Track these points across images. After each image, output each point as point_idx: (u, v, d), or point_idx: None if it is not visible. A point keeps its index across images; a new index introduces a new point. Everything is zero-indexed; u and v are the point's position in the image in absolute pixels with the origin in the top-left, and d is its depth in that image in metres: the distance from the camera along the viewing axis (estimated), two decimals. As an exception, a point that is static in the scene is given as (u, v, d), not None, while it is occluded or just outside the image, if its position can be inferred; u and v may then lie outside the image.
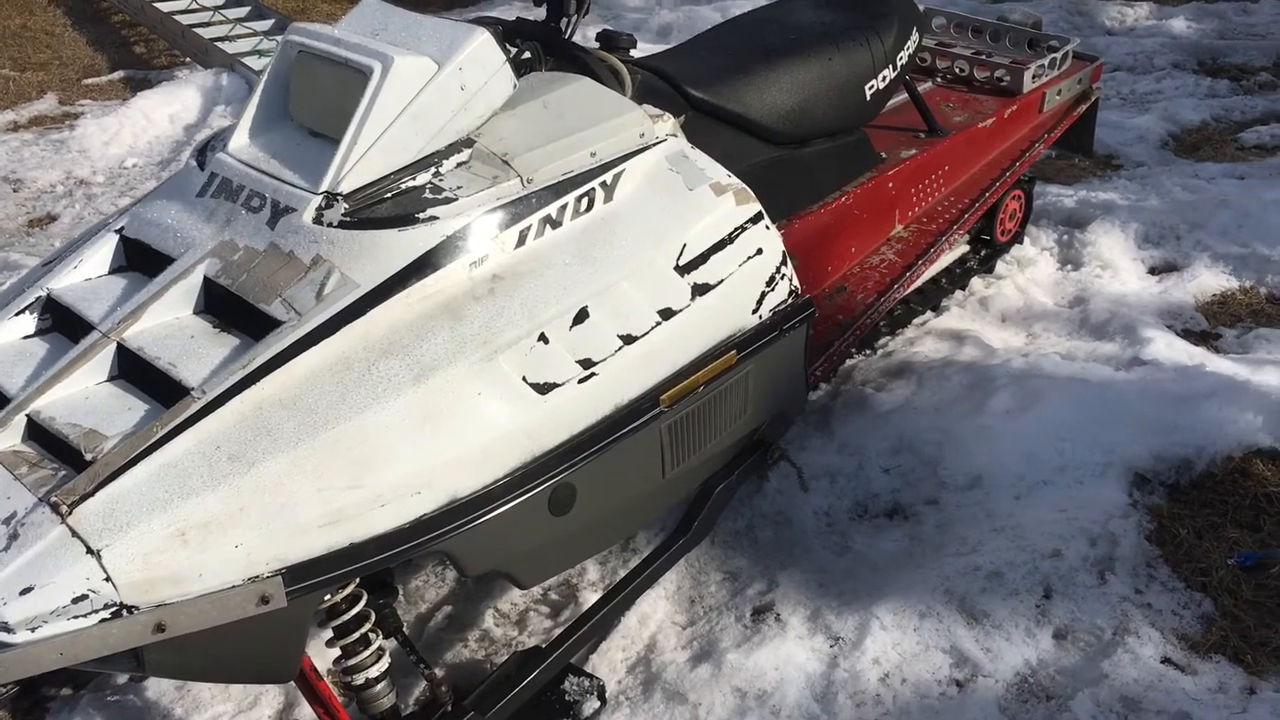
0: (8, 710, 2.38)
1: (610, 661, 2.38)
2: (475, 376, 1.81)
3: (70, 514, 1.60)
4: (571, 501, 1.97)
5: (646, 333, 2.00)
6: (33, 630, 1.54)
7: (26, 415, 1.76)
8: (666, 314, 2.04)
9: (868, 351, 3.32)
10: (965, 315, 3.55)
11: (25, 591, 1.54)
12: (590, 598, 2.53)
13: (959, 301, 3.61)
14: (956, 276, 3.63)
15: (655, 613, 2.49)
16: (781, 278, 2.25)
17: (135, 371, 1.82)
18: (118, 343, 1.82)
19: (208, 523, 1.62)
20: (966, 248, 3.71)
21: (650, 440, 2.08)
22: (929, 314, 3.52)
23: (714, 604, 2.52)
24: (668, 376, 2.05)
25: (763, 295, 2.21)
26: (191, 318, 1.89)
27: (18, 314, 1.96)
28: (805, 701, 2.25)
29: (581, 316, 1.94)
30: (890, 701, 2.25)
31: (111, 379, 1.84)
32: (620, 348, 1.96)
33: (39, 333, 1.97)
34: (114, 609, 1.57)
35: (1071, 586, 2.47)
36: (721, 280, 2.13)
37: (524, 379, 1.86)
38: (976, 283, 3.70)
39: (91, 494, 1.61)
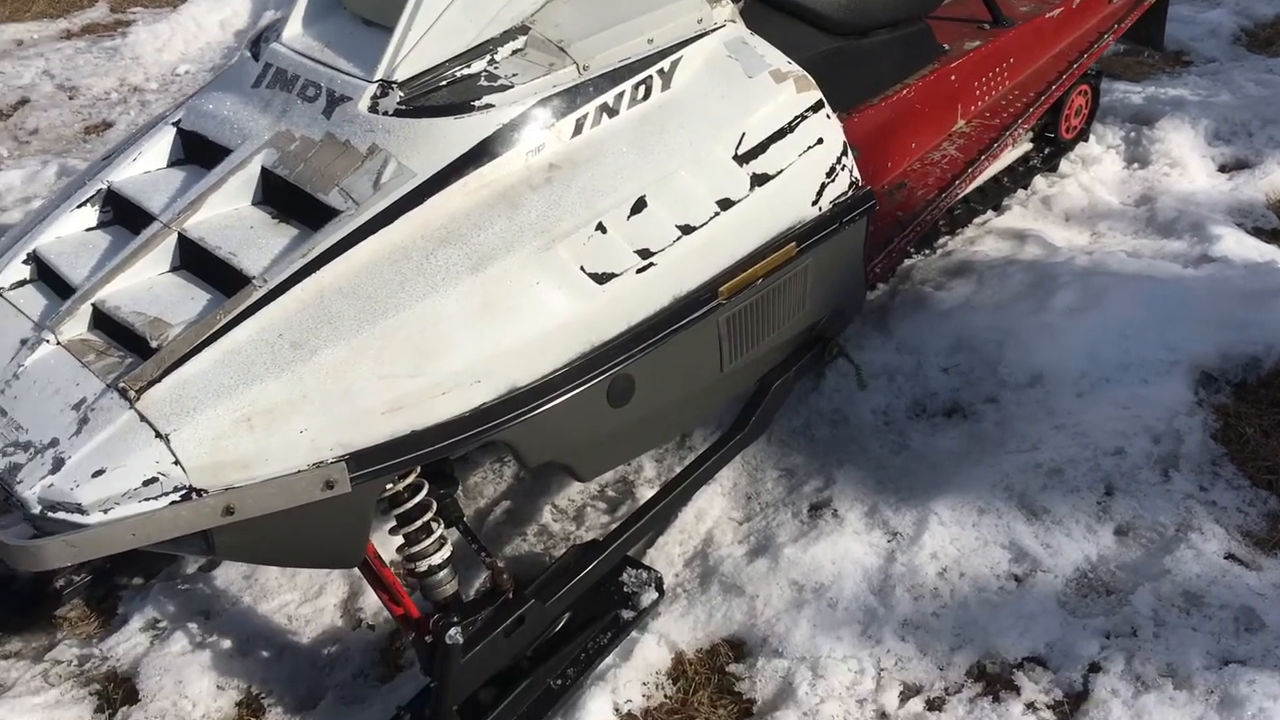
0: (81, 598, 2.45)
1: (668, 555, 2.40)
2: (533, 266, 1.80)
3: (138, 399, 1.62)
4: (630, 393, 1.97)
5: (705, 223, 1.97)
6: (105, 512, 1.57)
7: (92, 305, 1.78)
8: (725, 204, 2.00)
9: (926, 251, 3.26)
10: (1027, 214, 3.47)
11: (97, 474, 1.57)
12: (647, 494, 2.54)
13: (1021, 200, 3.53)
14: (1019, 175, 3.54)
15: (712, 508, 2.50)
16: (842, 169, 2.20)
17: (196, 261, 1.83)
18: (179, 233, 1.83)
19: (272, 408, 1.64)
20: (1030, 145, 3.61)
21: (708, 333, 2.06)
22: (990, 213, 3.45)
23: (770, 500, 2.53)
24: (726, 268, 2.02)
25: (823, 186, 2.17)
26: (250, 208, 1.89)
27: (79, 206, 1.97)
28: (862, 594, 2.26)
29: (639, 206, 1.91)
30: (948, 595, 2.25)
31: (173, 269, 1.85)
32: (678, 238, 1.94)
33: (101, 225, 1.98)
34: (183, 491, 1.60)
35: (1134, 484, 2.45)
36: (781, 170, 2.08)
37: (582, 268, 1.84)
38: (1039, 181, 3.61)
39: (158, 380, 1.63)
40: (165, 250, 1.84)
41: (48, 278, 1.90)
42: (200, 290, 1.79)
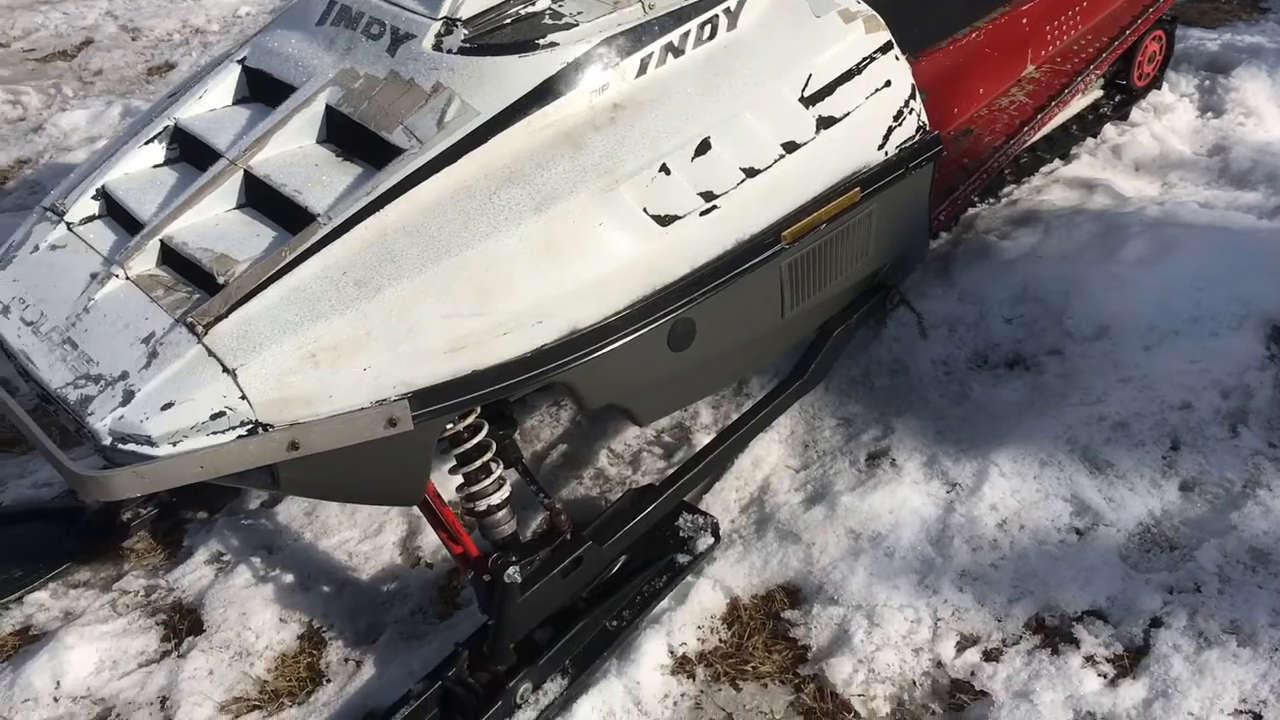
0: (147, 530, 2.50)
1: (724, 501, 2.40)
2: (596, 206, 1.79)
3: (206, 334, 1.63)
4: (691, 337, 1.96)
5: (769, 166, 1.95)
6: (174, 444, 1.60)
7: (160, 240, 1.80)
8: (790, 147, 1.97)
9: (991, 200, 3.20)
10: (1096, 164, 3.39)
11: (166, 407, 1.60)
12: (703, 440, 2.53)
13: (1090, 149, 3.45)
14: (1088, 123, 3.46)
15: (769, 455, 2.49)
16: (910, 112, 2.16)
17: (261, 198, 1.84)
18: (245, 170, 1.84)
19: (337, 345, 1.65)
20: (1100, 92, 3.52)
21: (770, 278, 2.04)
22: (1057, 162, 3.38)
23: (828, 448, 2.51)
24: (790, 212, 2.00)
25: (889, 130, 2.13)
26: (314, 146, 1.89)
27: (146, 143, 1.98)
28: (920, 544, 2.24)
29: (703, 148, 1.89)
30: (1007, 547, 2.23)
31: (239, 206, 1.86)
32: (742, 180, 1.91)
33: (167, 161, 1.99)
34: (249, 426, 1.62)
35: (1201, 439, 2.40)
36: (848, 113, 2.05)
37: (645, 210, 1.83)
38: (1109, 130, 3.53)
39: (225, 315, 1.65)
40: (231, 187, 1.85)
41: (116, 213, 1.92)
42: (265, 227, 1.80)
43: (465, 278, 1.71)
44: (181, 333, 1.65)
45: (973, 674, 2.04)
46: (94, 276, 1.80)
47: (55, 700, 2.13)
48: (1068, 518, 2.28)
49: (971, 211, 3.12)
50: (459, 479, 1.98)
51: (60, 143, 4.35)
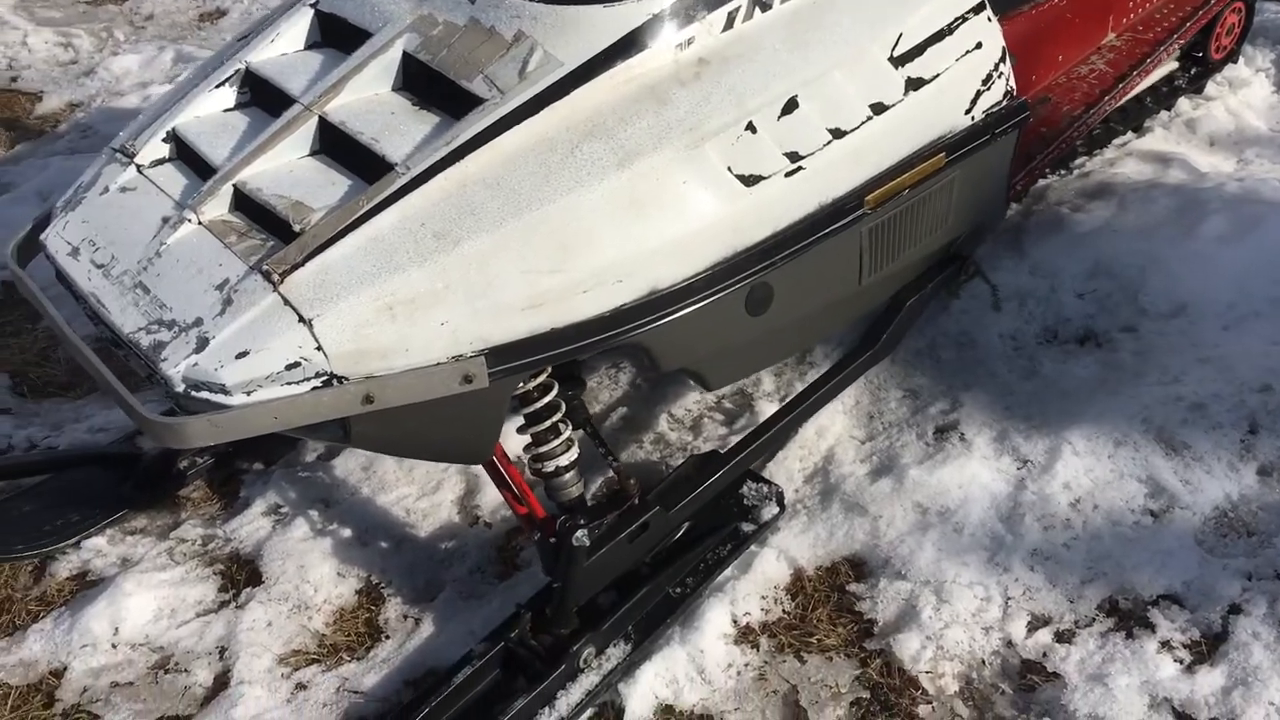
0: (204, 480, 2.49)
1: (787, 471, 2.36)
2: (681, 164, 1.74)
3: (282, 282, 1.60)
4: (768, 302, 1.91)
5: (856, 127, 1.89)
6: (248, 394, 1.57)
7: (233, 185, 1.76)
8: (878, 108, 1.91)
9: (1062, 171, 3.12)
10: (1170, 137, 3.31)
11: (241, 355, 1.57)
12: (766, 407, 2.50)
13: (1163, 122, 3.36)
14: (1162, 96, 3.37)
15: (833, 426, 2.45)
16: (999, 76, 2.09)
17: (336, 146, 1.80)
18: (319, 116, 1.80)
19: (414, 298, 1.61)
20: (1175, 65, 3.42)
21: (850, 243, 1.99)
22: (1130, 134, 3.29)
23: (893, 420, 2.46)
24: (874, 176, 1.94)
25: (978, 94, 2.07)
26: (390, 94, 1.85)
27: (217, 86, 1.95)
28: (990, 521, 2.20)
29: (790, 106, 1.83)
30: (1080, 527, 2.17)
31: (313, 153, 1.82)
32: (829, 142, 1.86)
33: (239, 106, 1.96)
34: (324, 378, 1.59)
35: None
36: (937, 75, 1.98)
37: (729, 169, 1.77)
38: (1183, 103, 3.44)
39: (301, 264, 1.61)
40: (305, 133, 1.81)
41: (187, 157, 1.88)
42: (340, 175, 1.76)
43: (546, 233, 1.66)
44: (256, 280, 1.62)
45: (1044, 655, 1.99)
46: (166, 220, 1.76)
47: (113, 647, 2.12)
48: (1142, 499, 2.22)
49: (1042, 182, 3.05)
50: (526, 438, 1.94)
51: (112, 87, 4.33)
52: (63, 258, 1.81)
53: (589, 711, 1.95)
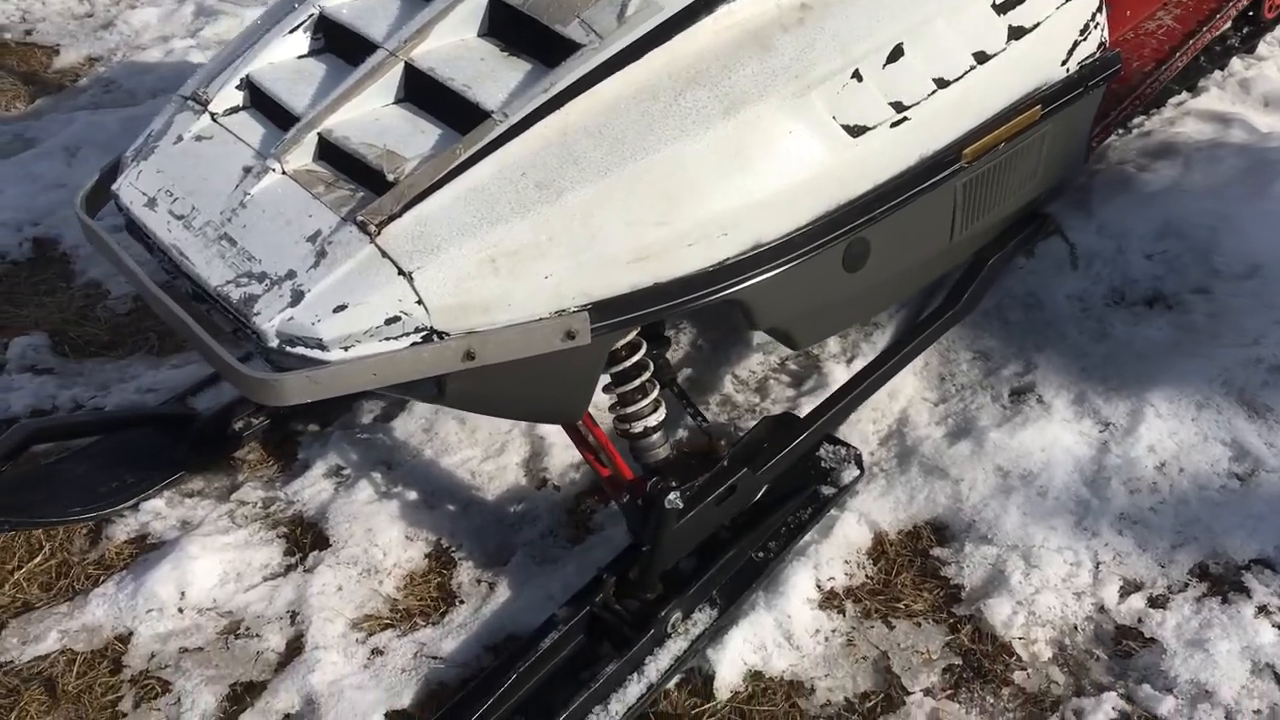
0: (259, 441, 2.43)
1: (861, 433, 2.30)
2: (786, 113, 1.67)
3: (379, 234, 1.54)
4: (865, 258, 1.85)
5: (960, 77, 1.83)
6: (346, 349, 1.51)
7: (318, 134, 1.69)
8: (981, 57, 1.85)
9: (1121, 130, 3.06)
10: (1225, 97, 3.24)
11: (338, 309, 1.50)
12: (833, 368, 2.44)
13: (1217, 82, 3.29)
14: (1215, 55, 3.30)
15: (904, 388, 2.39)
16: (1095, 27, 2.03)
17: (422, 93, 1.72)
18: (405, 63, 1.72)
19: (517, 251, 1.55)
20: (1228, 24, 3.35)
21: (945, 199, 1.93)
22: (1185, 94, 3.23)
23: (965, 383, 2.41)
24: (973, 128, 1.88)
25: (1074, 45, 2.00)
26: (477, 40, 1.78)
27: (291, 32, 1.87)
28: (1074, 484, 2.15)
29: (896, 54, 1.77)
30: (1167, 490, 2.13)
31: (398, 101, 1.75)
32: (933, 91, 1.79)
33: (313, 52, 1.88)
34: (424, 333, 1.53)
35: (1360, 385, 2.29)
36: (1038, 23, 1.92)
37: (834, 119, 1.71)
38: (1236, 63, 3.37)
39: (398, 215, 1.55)
40: (391, 80, 1.73)
41: (263, 105, 1.81)
42: (429, 124, 1.69)
43: (651, 183, 1.60)
44: (351, 231, 1.55)
45: (1139, 621, 1.95)
46: (248, 170, 1.69)
47: (180, 611, 2.06)
48: (1227, 463, 2.18)
49: (1104, 142, 2.98)
50: (611, 398, 1.89)
51: (132, 41, 4.22)
52: (138, 209, 1.74)
53: (676, 678, 1.90)
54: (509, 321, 1.56)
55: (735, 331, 2.58)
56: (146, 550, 2.19)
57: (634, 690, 1.85)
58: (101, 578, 2.14)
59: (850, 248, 1.81)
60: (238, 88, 1.83)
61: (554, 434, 2.35)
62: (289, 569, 2.14)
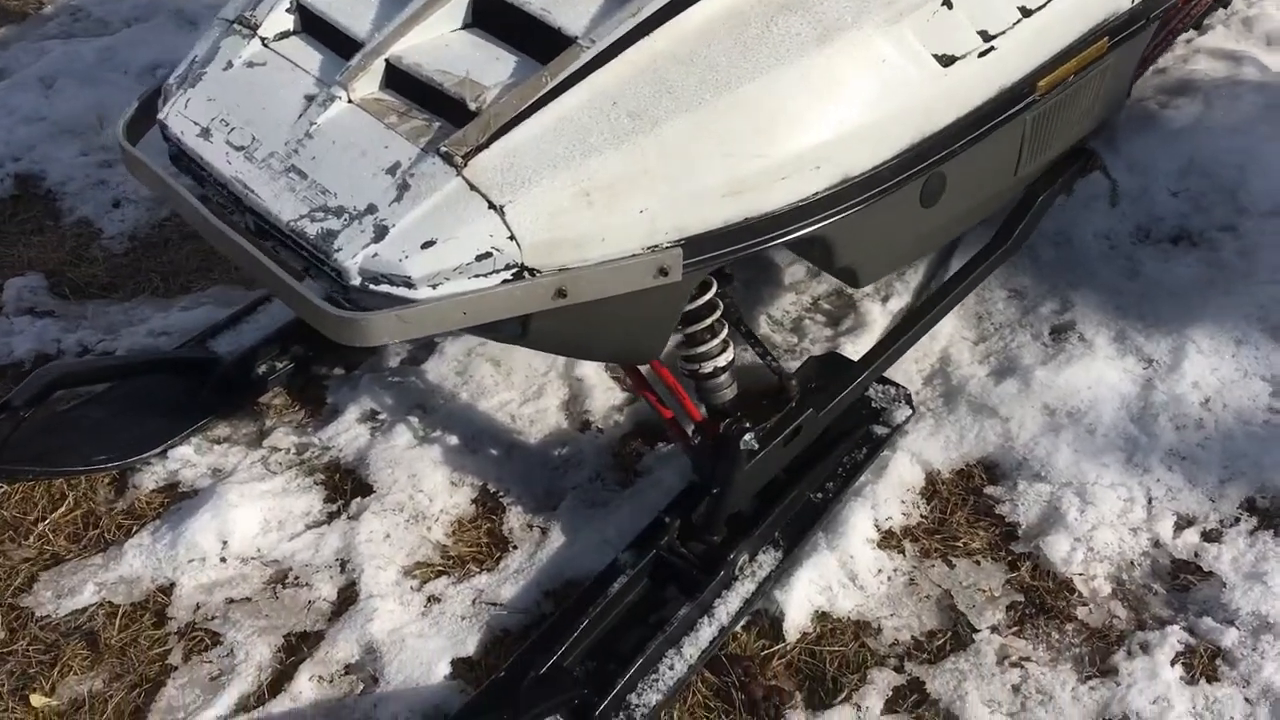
0: (283, 386, 2.34)
1: (904, 373, 2.28)
2: (879, 40, 1.62)
3: (465, 166, 1.46)
4: (940, 193, 1.82)
5: (1042, 6, 1.78)
6: (434, 287, 1.44)
7: (385, 60, 1.60)
8: (1059, -13, 1.81)
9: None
10: (1231, 36, 3.23)
11: (427, 245, 1.43)
12: (869, 306, 2.42)
13: (1222, 20, 3.29)
14: (1223, -8, 3.30)
15: (943, 327, 2.37)
16: (1156, -41, 1.99)
17: (494, 17, 1.64)
18: (475, -16, 1.64)
19: (613, 184, 1.48)
20: (1235, -40, 3.35)
21: (1015, 132, 1.89)
22: (1193, 32, 3.22)
23: (1004, 321, 2.40)
24: (1049, 59, 1.84)
25: (1139, -23, 1.97)
26: (550, -40, 1.69)
27: (340, -49, 1.76)
28: (1122, 422, 2.16)
29: (984, -19, 1.72)
30: (1213, 426, 2.14)
31: (465, 26, 1.67)
32: (1018, 20, 1.75)
33: (365, -26, 1.78)
34: (515, 269, 1.46)
35: (1390, 321, 2.32)
36: (1111, -46, 1.88)
37: (925, 48, 1.66)
38: (1238, 2, 3.37)
39: (485, 146, 1.48)
40: (459, 4, 1.66)
41: (317, 29, 1.72)
42: (503, 50, 1.61)
43: (746, 114, 1.54)
44: (435, 163, 1.48)
45: (1196, 555, 1.97)
46: (310, 99, 1.61)
47: (223, 561, 1.99)
48: (1267, 398, 2.19)
49: (1140, 77, 2.97)
50: (679, 338, 1.84)
51: (98, -32, 4.01)
52: (190, 139, 1.64)
53: (744, 620, 1.88)
54: (602, 258, 1.50)
55: (767, 270, 2.54)
56: (179, 499, 2.11)
57: (706, 633, 1.83)
58: (134, 528, 2.06)
59: (928, 183, 1.77)
60: (288, 11, 1.73)
61: (592, 376, 2.31)
62: (332, 516, 2.07)
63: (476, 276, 1.46)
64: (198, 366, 2.28)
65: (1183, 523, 2.02)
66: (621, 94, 1.52)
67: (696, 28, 1.56)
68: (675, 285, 1.57)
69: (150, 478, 2.14)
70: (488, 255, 1.45)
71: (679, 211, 1.52)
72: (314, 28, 1.71)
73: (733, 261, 1.63)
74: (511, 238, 1.45)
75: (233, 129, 1.62)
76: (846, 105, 1.59)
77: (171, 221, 2.78)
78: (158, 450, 2.15)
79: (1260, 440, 2.12)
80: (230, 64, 1.69)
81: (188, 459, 2.16)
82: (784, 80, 1.56)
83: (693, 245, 1.55)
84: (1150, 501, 2.04)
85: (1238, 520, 2.01)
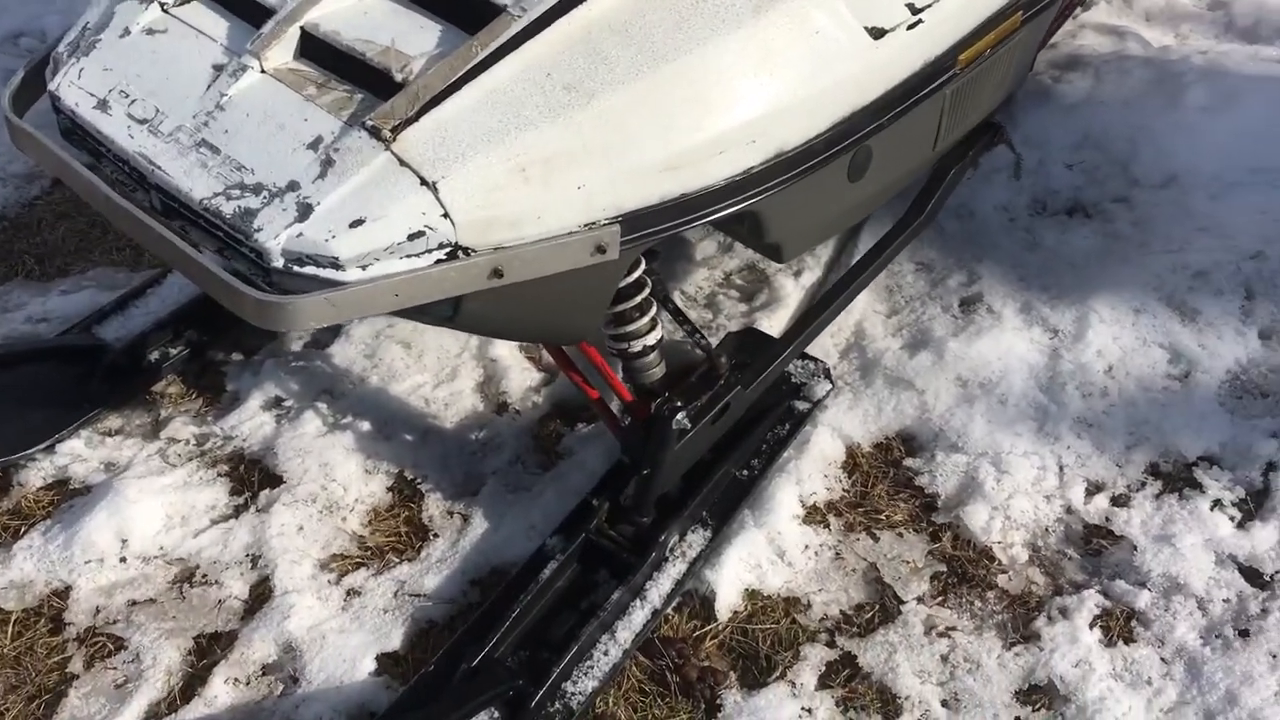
0: (178, 373, 2.22)
1: (821, 348, 2.28)
2: (814, 11, 1.59)
3: (394, 140, 1.39)
4: (866, 167, 1.81)
5: (963, -20, 1.79)
6: (364, 268, 1.37)
7: (300, 28, 1.51)
8: (980, -39, 1.82)
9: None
10: (1112, 11, 3.33)
11: (355, 224, 1.36)
12: (783, 281, 2.42)
13: (1103, -4, 3.39)
14: (1101, -32, 3.39)
15: (856, 301, 2.37)
16: (1066, -66, 2.02)
17: (411, -17, 1.57)
18: (393, -53, 1.56)
19: (549, 158, 1.43)
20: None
21: (936, 106, 1.90)
22: (1078, 8, 3.30)
23: (914, 294, 2.42)
24: (970, 33, 1.85)
25: (1050, -48, 1.99)
26: (469, -76, 1.62)
27: (240, -91, 1.66)
28: (1031, 391, 2.20)
29: (910, -47, 1.71)
30: (1116, 394, 2.20)
31: (382, -9, 1.58)
32: (945, -8, 1.75)
33: (270, -66, 1.68)
34: (450, 249, 1.40)
35: (1272, 288, 2.42)
36: (1026, -72, 1.90)
37: (857, 19, 1.64)
38: (1117, -21, 3.47)
39: (414, 119, 1.41)
40: (377, -32, 1.57)
41: (219, -8, 1.61)
42: (426, 19, 1.54)
43: (684, 85, 1.50)
44: (362, 137, 1.40)
45: (1107, 520, 2.02)
46: (219, 68, 1.51)
47: (123, 560, 1.88)
48: (1166, 365, 2.27)
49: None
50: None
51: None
52: (86, 111, 1.53)
53: (676, 600, 1.86)
54: (538, 236, 1.45)
55: (679, 246, 2.51)
56: (70, 496, 1.98)
57: (639, 617, 1.80)
58: (22, 529, 1.93)
59: (856, 156, 1.76)
60: (187, -27, 1.61)
61: (508, 356, 2.25)
62: (239, 510, 1.98)
63: (408, 256, 1.39)
64: (84, 354, 2.15)
65: (1093, 489, 2.07)
66: (556, 65, 1.46)
67: (630, -4, 1.52)
68: (611, 263, 1.53)
69: (37, 475, 2.00)
70: (420, 234, 1.38)
71: (616, 187, 1.48)
72: (216, -9, 1.61)
73: (668, 238, 1.59)
74: (445, 215, 1.39)
75: (134, 100, 1.51)
76: (782, 78, 1.57)
77: (44, 200, 2.61)
78: (43, 445, 2.02)
79: (1161, 406, 2.19)
80: (127, 30, 1.58)
81: (78, 453, 2.03)
82: (721, 52, 1.52)
83: (630, 222, 1.51)
84: (1061, 469, 2.09)
85: (1144, 485, 2.08)
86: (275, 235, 1.36)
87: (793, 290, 2.40)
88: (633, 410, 1.83)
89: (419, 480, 2.04)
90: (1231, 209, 2.55)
